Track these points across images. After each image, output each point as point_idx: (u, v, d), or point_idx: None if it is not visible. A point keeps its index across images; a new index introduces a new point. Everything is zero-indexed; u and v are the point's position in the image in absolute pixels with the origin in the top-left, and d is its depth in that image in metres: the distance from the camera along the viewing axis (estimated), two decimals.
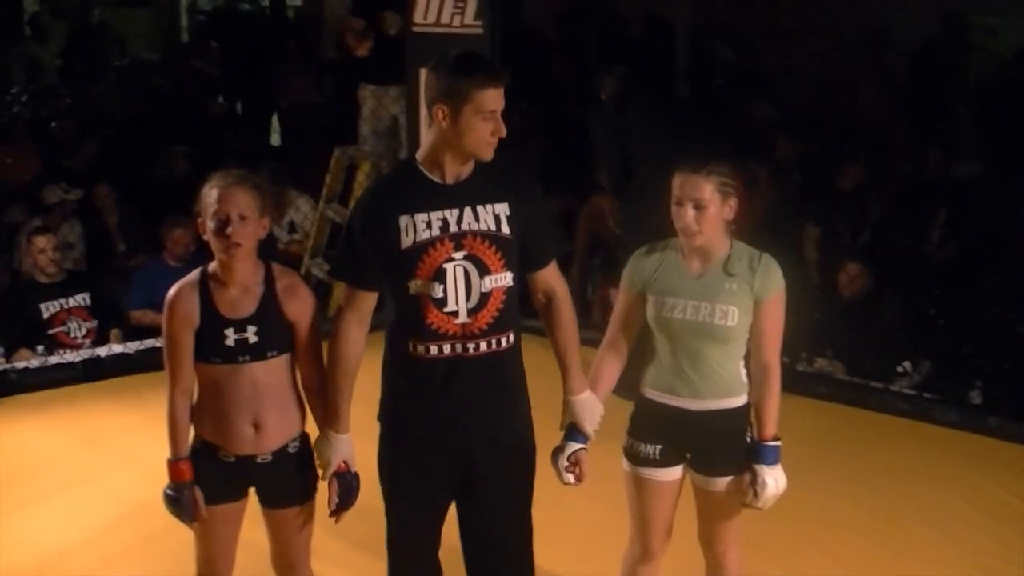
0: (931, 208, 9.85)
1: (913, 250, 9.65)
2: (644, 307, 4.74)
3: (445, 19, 9.33)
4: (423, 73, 9.38)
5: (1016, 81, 11.55)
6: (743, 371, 4.73)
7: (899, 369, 8.55)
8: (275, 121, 14.38)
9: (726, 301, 4.60)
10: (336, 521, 4.67)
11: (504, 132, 4.31)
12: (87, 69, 14.42)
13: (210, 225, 4.44)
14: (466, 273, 4.35)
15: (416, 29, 9.44)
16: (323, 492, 4.70)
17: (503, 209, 4.39)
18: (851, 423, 8.03)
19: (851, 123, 11.42)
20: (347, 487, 4.63)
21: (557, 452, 4.71)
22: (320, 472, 4.64)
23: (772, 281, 4.67)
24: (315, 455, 4.64)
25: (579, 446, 4.68)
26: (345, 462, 4.62)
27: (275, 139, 14.36)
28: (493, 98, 4.29)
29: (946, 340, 8.76)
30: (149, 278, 9.39)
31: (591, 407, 4.67)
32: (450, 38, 9.09)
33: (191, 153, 11.80)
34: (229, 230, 4.41)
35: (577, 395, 4.66)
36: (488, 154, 4.34)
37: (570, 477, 4.70)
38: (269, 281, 4.56)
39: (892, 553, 6.32)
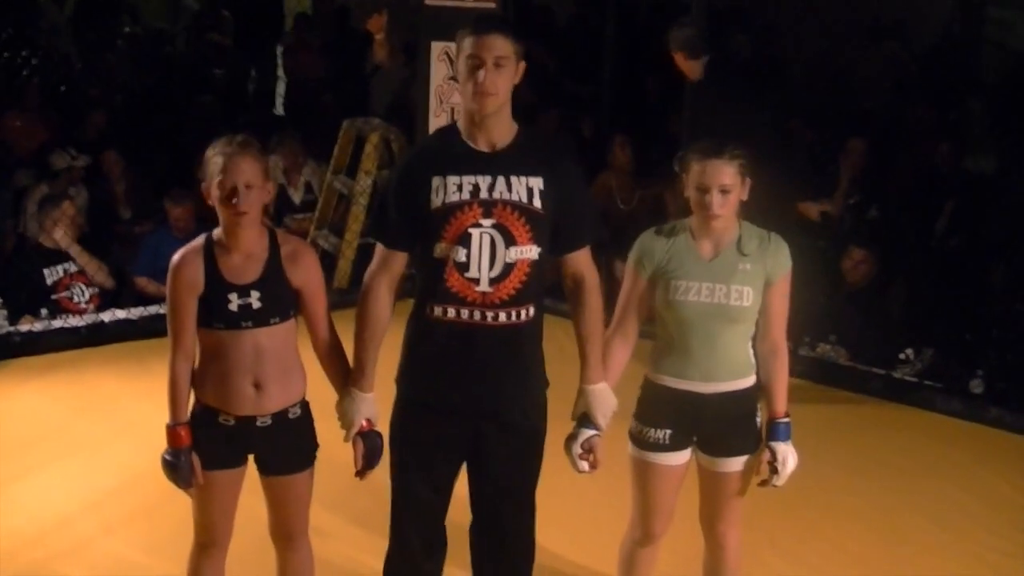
0: (939, 199, 9.84)
1: (919, 239, 9.64)
2: (653, 291, 4.74)
3: None
4: (434, 46, 9.51)
5: None
6: (751, 351, 4.75)
7: (901, 356, 8.54)
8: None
9: (741, 281, 4.62)
10: (361, 479, 4.66)
11: (488, 81, 4.27)
12: (96, 36, 14.38)
13: (216, 193, 4.43)
14: (492, 241, 4.35)
15: (429, 2, 9.43)
16: (326, 464, 4.72)
17: (537, 183, 4.38)
18: (852, 409, 8.04)
19: (861, 113, 11.42)
20: (372, 446, 4.63)
21: (570, 440, 4.70)
22: (343, 433, 4.63)
23: (782, 260, 4.70)
24: (338, 415, 4.63)
25: (593, 433, 4.66)
26: (368, 420, 4.62)
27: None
28: (474, 44, 4.28)
29: (949, 329, 8.75)
30: (154, 246, 9.44)
31: (605, 398, 4.66)
32: (462, 12, 9.10)
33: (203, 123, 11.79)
34: (236, 200, 4.41)
35: (593, 384, 4.64)
36: (484, 105, 4.30)
37: (584, 465, 4.69)
38: (274, 247, 4.55)
39: (890, 541, 6.33)
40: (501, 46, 4.30)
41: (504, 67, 4.30)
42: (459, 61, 4.34)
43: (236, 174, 4.41)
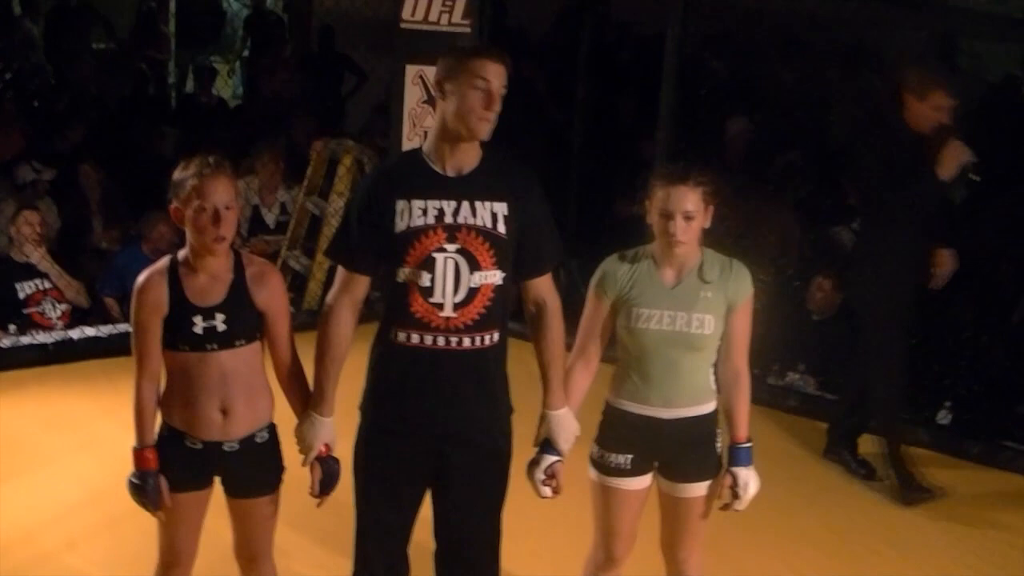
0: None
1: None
2: (614, 316, 4.76)
3: (433, 17, 9.34)
4: (408, 69, 9.50)
5: (1003, 106, 11.59)
6: (712, 377, 4.76)
7: None
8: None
9: (702, 310, 4.64)
10: (318, 505, 4.65)
11: (497, 107, 4.32)
12: (68, 49, 14.35)
13: (192, 215, 4.39)
14: (456, 266, 4.36)
15: (404, 25, 9.43)
16: (291, 483, 4.72)
17: (502, 208, 4.40)
18: (819, 437, 8.05)
19: (833, 141, 11.45)
20: (329, 471, 4.62)
21: (533, 465, 4.70)
22: (301, 457, 4.63)
23: (744, 286, 4.72)
24: (296, 439, 4.63)
25: (555, 459, 4.67)
26: (327, 445, 4.61)
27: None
28: (486, 68, 4.31)
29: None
30: (124, 265, 9.37)
31: (567, 424, 4.67)
32: (437, 36, 9.11)
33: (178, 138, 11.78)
34: (219, 223, 4.39)
35: (555, 410, 4.65)
36: (482, 130, 4.34)
37: (547, 490, 4.70)
38: (239, 269, 4.53)
39: (851, 567, 6.36)
40: (505, 74, 4.35)
41: (503, 93, 4.34)
42: (456, 82, 4.33)
43: (215, 196, 4.38)
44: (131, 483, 4.56)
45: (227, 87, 14.89)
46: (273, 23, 15.80)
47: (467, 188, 4.40)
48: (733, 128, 11.35)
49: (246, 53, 15.98)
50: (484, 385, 4.54)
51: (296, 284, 9.92)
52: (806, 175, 10.86)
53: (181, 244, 4.54)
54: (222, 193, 4.40)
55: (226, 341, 4.47)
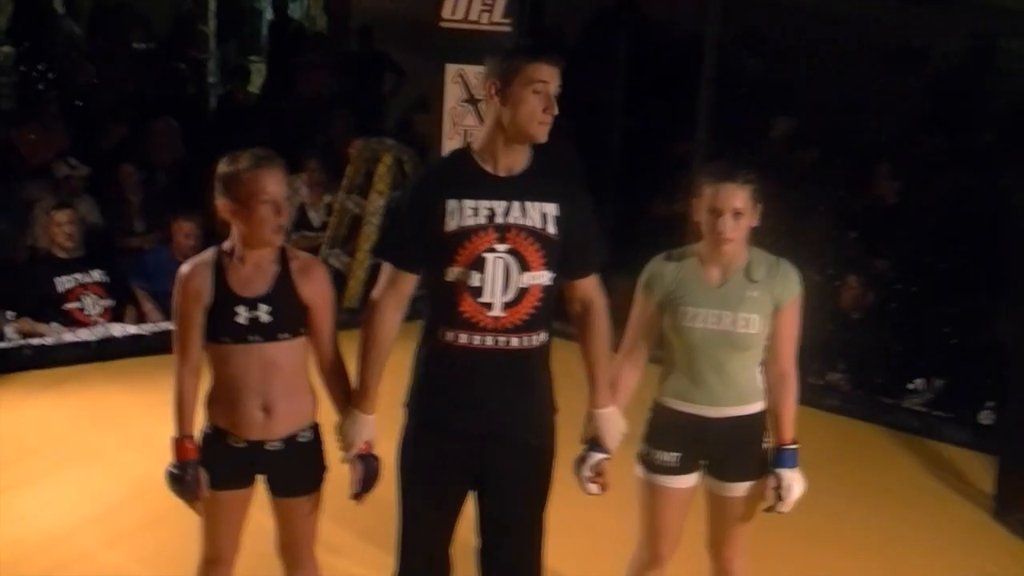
0: (955, 229, 9.81)
1: (933, 268, 9.61)
2: (662, 315, 4.75)
3: (473, 16, 9.35)
4: (448, 68, 9.50)
5: None
6: (759, 377, 4.74)
7: (911, 386, 8.53)
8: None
9: (748, 309, 4.62)
10: (359, 503, 4.65)
11: (555, 110, 4.31)
12: (108, 49, 14.40)
13: (251, 207, 4.39)
14: (506, 266, 4.35)
15: (444, 24, 9.44)
16: (335, 480, 4.71)
17: (552, 209, 4.38)
18: (861, 438, 8.04)
19: (873, 140, 11.42)
20: (370, 469, 4.62)
21: (580, 462, 4.70)
22: (341, 453, 4.62)
23: (791, 286, 4.70)
24: (337, 435, 4.62)
25: (602, 456, 4.67)
26: (367, 443, 4.61)
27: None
28: (544, 71, 4.30)
29: (959, 359, 8.73)
30: (153, 265, 9.47)
31: (614, 422, 4.67)
32: (477, 35, 9.11)
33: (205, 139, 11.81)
34: (281, 214, 4.41)
35: (602, 408, 4.65)
36: (540, 133, 4.33)
37: (594, 487, 4.71)
38: (283, 261, 4.53)
39: (894, 570, 6.33)
40: (559, 76, 4.35)
41: (558, 96, 4.35)
42: (515, 85, 4.31)
43: (276, 188, 4.41)
44: (169, 473, 4.56)
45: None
46: (295, 29, 15.80)
47: (517, 188, 4.39)
48: (778, 128, 11.31)
49: None
50: (530, 385, 4.53)
51: (336, 282, 9.87)
52: (842, 173, 10.83)
53: (207, 244, 4.53)
54: (282, 184, 4.43)
55: (269, 333, 4.47)
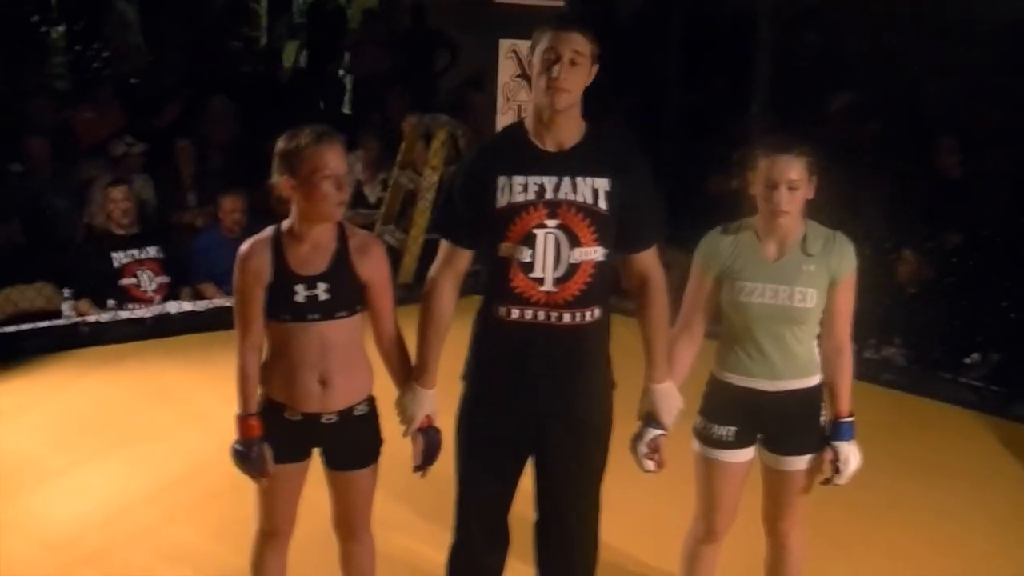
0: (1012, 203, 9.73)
1: (992, 242, 9.53)
2: (719, 290, 4.73)
3: None
4: (501, 44, 9.50)
5: None
6: (816, 351, 4.73)
7: (968, 360, 8.48)
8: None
9: (804, 283, 4.61)
10: (422, 476, 4.69)
11: (569, 74, 4.27)
12: (162, 28, 14.45)
13: (312, 183, 4.38)
14: (556, 242, 4.35)
15: (498, 0, 9.43)
16: (392, 455, 4.74)
17: (603, 184, 4.36)
18: (917, 412, 8.00)
19: (934, 114, 11.33)
20: (431, 442, 4.66)
21: (636, 439, 4.70)
22: (402, 428, 4.65)
23: (847, 260, 4.68)
24: (398, 410, 4.65)
25: (658, 432, 4.67)
26: (428, 416, 4.64)
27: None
28: (552, 38, 4.29)
29: (1017, 334, 8.67)
30: (205, 248, 9.47)
31: (671, 397, 4.65)
32: (531, 11, 9.09)
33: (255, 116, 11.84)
34: (344, 189, 4.43)
35: (658, 383, 4.63)
36: (555, 100, 4.28)
37: (650, 464, 4.71)
38: (342, 239, 4.54)
39: (951, 545, 6.29)
40: (579, 43, 4.29)
41: (579, 65, 4.29)
42: (534, 57, 4.33)
43: (337, 163, 4.41)
44: (235, 450, 4.58)
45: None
46: (332, 11, 15.78)
47: (568, 164, 4.38)
48: (837, 102, 11.23)
49: None
50: (583, 361, 4.52)
51: (390, 259, 9.90)
52: (903, 147, 10.75)
53: (254, 223, 4.54)
54: (342, 159, 4.44)
55: (327, 311, 4.48)
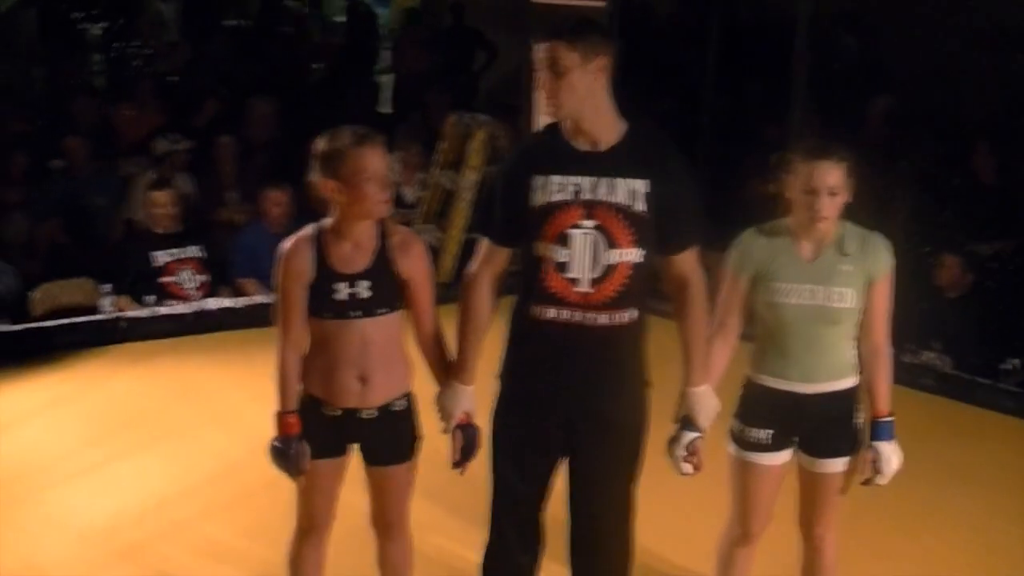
0: None
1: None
2: (754, 291, 4.73)
3: None
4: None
5: None
6: (853, 352, 4.72)
7: (1005, 366, 8.44)
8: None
9: (841, 283, 4.59)
10: (461, 473, 4.70)
11: (543, 87, 4.32)
12: (202, 28, 14.52)
13: (355, 184, 4.38)
14: (593, 242, 4.34)
15: (536, 0, 9.43)
16: (428, 455, 4.75)
17: (642, 185, 4.35)
18: (955, 418, 7.96)
19: (972, 118, 11.29)
20: (470, 439, 4.67)
21: (673, 442, 4.70)
22: (442, 425, 4.67)
23: (884, 260, 4.67)
24: (437, 407, 4.67)
25: (695, 435, 4.66)
26: (467, 413, 4.65)
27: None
28: (534, 51, 4.30)
29: None
30: (251, 244, 9.43)
31: (708, 400, 4.64)
32: (569, 11, 9.08)
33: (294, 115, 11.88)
34: (387, 190, 4.44)
35: (696, 387, 4.62)
36: (548, 109, 4.34)
37: (687, 467, 4.70)
38: (383, 237, 4.55)
39: (987, 551, 6.25)
40: (559, 54, 4.27)
41: (566, 75, 4.28)
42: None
43: (379, 164, 4.42)
44: (273, 447, 4.60)
45: None
46: (363, 14, 15.82)
47: (606, 164, 4.37)
48: (876, 107, 11.20)
49: None
50: (618, 362, 4.53)
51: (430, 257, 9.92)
52: (941, 152, 10.72)
53: (299, 218, 4.56)
54: (384, 159, 4.45)
55: (369, 309, 4.49)
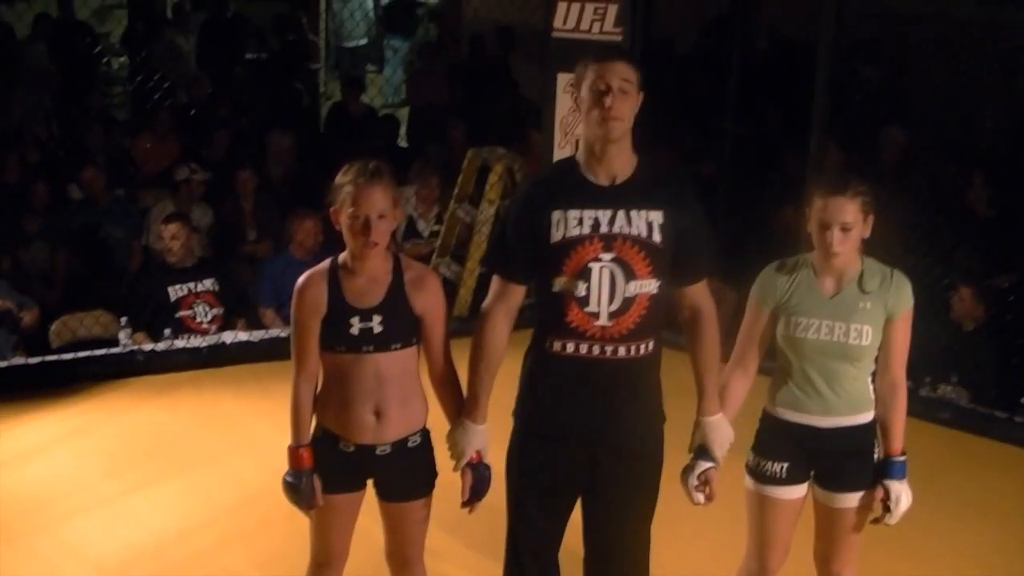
0: None
1: None
2: (774, 325, 4.73)
3: (584, 25, 9.34)
4: (560, 77, 9.52)
5: None
6: (871, 387, 4.72)
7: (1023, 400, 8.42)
8: None
9: (861, 320, 4.60)
10: (470, 511, 4.68)
11: (617, 102, 4.28)
12: (220, 59, 14.59)
13: (347, 221, 4.44)
14: (612, 275, 4.35)
15: (556, 34, 9.46)
16: (444, 487, 4.73)
17: (657, 217, 4.37)
18: (973, 451, 7.94)
19: (984, 148, 11.28)
20: (480, 478, 4.65)
21: (687, 471, 4.68)
22: (453, 462, 4.65)
23: (904, 298, 4.67)
24: (448, 445, 4.65)
25: (709, 465, 4.65)
26: (478, 452, 4.64)
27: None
28: (598, 69, 4.30)
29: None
30: (278, 275, 9.41)
31: (722, 430, 4.64)
32: (589, 44, 9.09)
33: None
34: (369, 231, 4.43)
35: (709, 416, 4.62)
36: (604, 130, 4.30)
37: (700, 497, 4.68)
38: (397, 272, 4.56)
39: None
40: (625, 72, 4.31)
41: (628, 93, 4.31)
42: (582, 90, 4.35)
43: (368, 205, 4.42)
44: (286, 482, 4.62)
45: (379, 96, 14.94)
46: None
47: (622, 197, 4.38)
48: (889, 138, 11.20)
49: None
50: (638, 394, 4.52)
51: (446, 291, 9.89)
52: (958, 182, 10.71)
53: (328, 243, 4.58)
54: (376, 202, 4.43)
55: (382, 343, 4.50)
